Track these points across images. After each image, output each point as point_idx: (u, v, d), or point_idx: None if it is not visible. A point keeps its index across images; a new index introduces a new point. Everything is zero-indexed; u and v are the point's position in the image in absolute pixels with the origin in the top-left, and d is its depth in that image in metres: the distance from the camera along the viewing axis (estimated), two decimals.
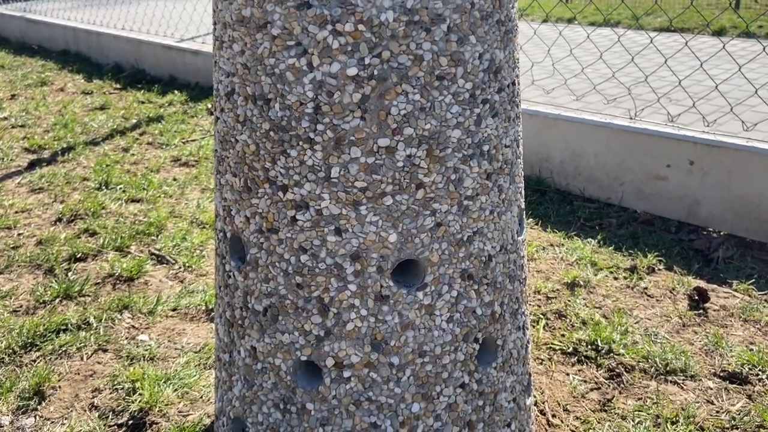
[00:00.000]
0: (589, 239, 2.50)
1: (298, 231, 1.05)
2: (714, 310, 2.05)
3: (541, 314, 1.99)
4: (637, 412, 1.57)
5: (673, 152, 2.64)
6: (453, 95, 1.01)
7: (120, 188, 2.83)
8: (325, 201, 1.02)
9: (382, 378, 1.09)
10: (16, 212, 2.62)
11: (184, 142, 3.47)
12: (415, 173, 1.02)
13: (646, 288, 2.17)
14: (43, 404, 1.57)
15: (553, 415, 1.53)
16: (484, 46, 1.03)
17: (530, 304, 2.05)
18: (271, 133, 1.03)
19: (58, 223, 2.53)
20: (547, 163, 3.03)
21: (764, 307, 2.05)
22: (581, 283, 2.17)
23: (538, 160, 3.06)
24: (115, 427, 1.49)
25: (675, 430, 1.51)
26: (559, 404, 1.58)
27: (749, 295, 2.13)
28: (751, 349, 1.83)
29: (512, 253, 1.19)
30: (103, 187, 2.84)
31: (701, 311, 2.03)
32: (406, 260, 1.07)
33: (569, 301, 2.06)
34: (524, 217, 1.26)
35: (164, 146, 3.42)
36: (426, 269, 1.07)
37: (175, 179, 2.98)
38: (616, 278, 2.23)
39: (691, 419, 1.54)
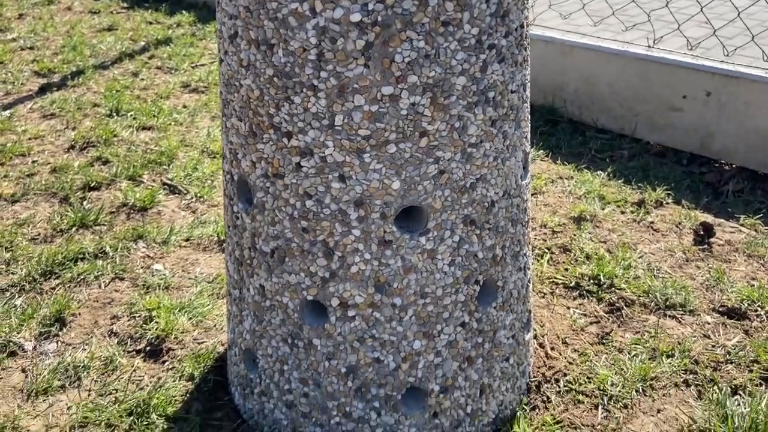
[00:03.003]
0: (599, 172, 2.50)
1: (303, 177, 1.07)
2: (719, 245, 2.07)
3: (546, 248, 2.02)
4: (634, 346, 1.62)
5: (690, 82, 2.58)
6: (458, 41, 1.00)
7: (131, 115, 2.84)
8: (329, 148, 1.03)
9: (385, 317, 1.14)
10: (30, 139, 2.64)
11: (193, 67, 3.43)
12: (418, 121, 1.02)
13: (652, 222, 2.18)
14: (64, 330, 1.65)
15: (552, 348, 1.59)
16: None
17: (536, 238, 2.07)
18: (275, 79, 1.03)
19: (71, 150, 2.55)
20: (561, 92, 2.98)
21: None
22: (588, 217, 2.18)
23: (551, 88, 3.00)
24: (134, 352, 1.58)
25: (670, 363, 1.56)
26: (558, 337, 1.63)
27: (755, 230, 2.14)
28: (752, 285, 1.86)
29: (515, 198, 1.20)
30: (114, 114, 2.85)
31: (706, 246, 2.05)
32: (410, 206, 1.09)
33: (575, 235, 2.08)
34: (529, 160, 1.26)
35: (173, 71, 3.38)
36: (429, 215, 1.09)
37: (185, 106, 2.98)
38: (623, 212, 2.24)
39: (687, 353, 1.59)
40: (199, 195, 2.24)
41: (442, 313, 1.16)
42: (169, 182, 2.30)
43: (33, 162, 2.46)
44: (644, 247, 2.05)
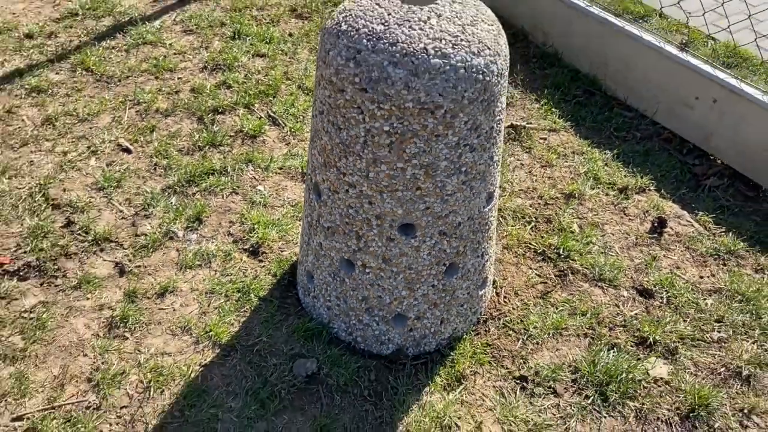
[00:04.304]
0: (607, 151, 3.11)
1: (349, 197, 1.87)
2: (669, 235, 2.74)
3: (535, 217, 2.75)
4: (562, 303, 2.41)
5: (703, 88, 3.07)
6: (444, 144, 1.73)
7: (249, 40, 3.59)
8: (365, 187, 1.82)
9: (386, 276, 1.98)
10: (174, 54, 3.47)
11: None
12: (415, 182, 1.78)
13: (626, 207, 2.85)
14: (201, 227, 2.58)
15: (505, 297, 2.40)
16: (469, 116, 1.71)
17: (530, 207, 2.80)
18: (340, 145, 1.80)
19: (204, 70, 3.37)
20: (604, 67, 3.49)
21: (709, 240, 2.71)
22: (577, 195, 2.87)
23: (596, 61, 3.51)
24: (242, 250, 2.50)
25: (580, 320, 2.35)
26: (513, 289, 2.44)
27: (704, 227, 2.78)
28: (673, 273, 2.56)
29: (477, 219, 1.96)
30: (237, 37, 3.60)
31: (656, 235, 2.73)
32: (407, 222, 1.88)
33: (560, 209, 2.79)
34: (495, 194, 2.00)
35: None
36: (417, 229, 1.88)
37: (290, 35, 3.68)
38: (606, 195, 2.90)
39: (595, 315, 2.37)
40: (293, 129, 3.05)
41: (420, 278, 1.99)
42: (273, 114, 3.11)
43: (178, 79, 3.30)
44: (609, 228, 2.75)
